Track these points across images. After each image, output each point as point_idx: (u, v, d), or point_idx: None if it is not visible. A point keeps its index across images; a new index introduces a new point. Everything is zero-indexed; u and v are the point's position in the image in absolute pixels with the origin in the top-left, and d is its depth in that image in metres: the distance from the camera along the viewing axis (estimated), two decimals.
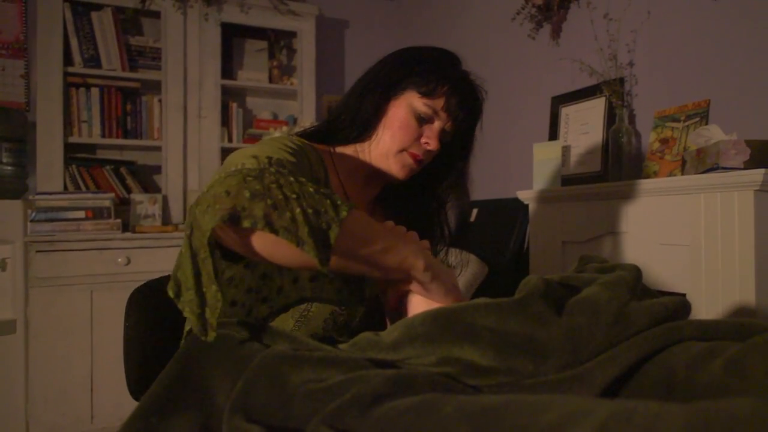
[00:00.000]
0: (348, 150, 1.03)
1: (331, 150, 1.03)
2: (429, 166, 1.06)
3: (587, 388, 0.55)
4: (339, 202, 0.66)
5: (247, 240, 0.65)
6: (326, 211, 0.64)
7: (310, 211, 0.63)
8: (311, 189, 0.65)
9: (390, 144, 0.98)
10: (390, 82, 0.99)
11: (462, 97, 0.99)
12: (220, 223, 0.61)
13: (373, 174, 1.03)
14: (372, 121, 1.00)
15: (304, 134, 1.04)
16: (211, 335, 0.62)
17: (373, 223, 0.73)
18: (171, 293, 0.63)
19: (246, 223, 0.61)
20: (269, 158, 0.74)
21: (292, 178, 0.66)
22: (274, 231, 0.61)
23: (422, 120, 0.98)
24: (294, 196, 0.63)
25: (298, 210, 0.62)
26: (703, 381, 0.53)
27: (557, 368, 0.58)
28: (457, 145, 1.06)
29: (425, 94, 0.97)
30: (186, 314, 0.63)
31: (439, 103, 0.98)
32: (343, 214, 0.65)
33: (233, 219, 0.61)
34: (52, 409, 2.26)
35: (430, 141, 0.99)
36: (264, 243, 0.65)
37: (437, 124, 0.99)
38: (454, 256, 1.15)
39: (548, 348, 0.58)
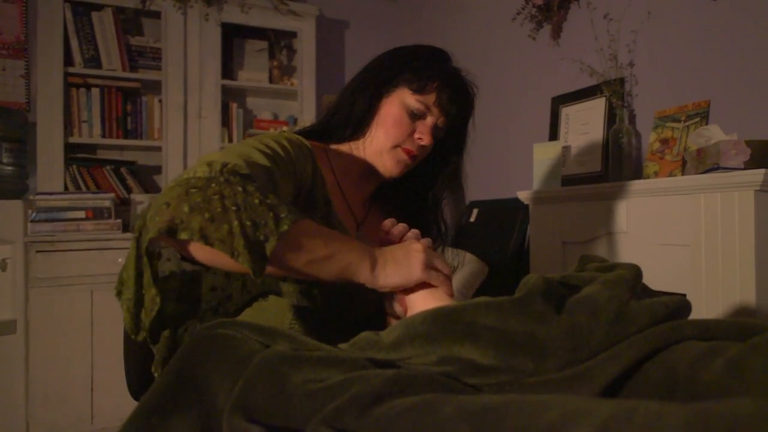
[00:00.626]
0: (343, 148, 1.05)
1: (327, 148, 1.04)
2: (424, 164, 1.07)
3: (588, 387, 0.55)
4: (283, 215, 0.67)
5: (187, 249, 0.68)
6: (266, 224, 0.66)
7: (248, 223, 0.65)
8: (256, 201, 0.67)
9: (384, 140, 1.00)
10: (381, 81, 1.01)
11: (453, 93, 1.01)
12: (158, 234, 0.64)
13: (368, 171, 1.04)
14: (365, 119, 1.02)
15: (302, 132, 1.05)
16: (142, 335, 0.67)
17: (318, 233, 0.74)
18: (114, 291, 0.68)
19: (183, 236, 0.64)
20: (224, 165, 0.72)
21: (239, 188, 0.67)
22: (209, 243, 0.64)
23: (415, 116, 1.00)
24: (234, 208, 0.65)
25: (236, 222, 0.64)
26: (704, 381, 0.53)
27: (558, 367, 0.57)
28: (451, 141, 1.07)
29: (416, 91, 0.99)
30: (123, 312, 0.67)
31: (431, 98, 0.99)
32: (284, 227, 0.66)
33: (171, 231, 0.64)
34: (52, 410, 2.26)
35: (423, 136, 1.00)
36: (203, 252, 0.67)
37: (429, 120, 1.01)
38: (451, 255, 1.15)
39: (548, 346, 0.58)
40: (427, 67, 1.00)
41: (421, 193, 1.12)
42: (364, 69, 1.05)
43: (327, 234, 0.75)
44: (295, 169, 0.89)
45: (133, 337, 0.67)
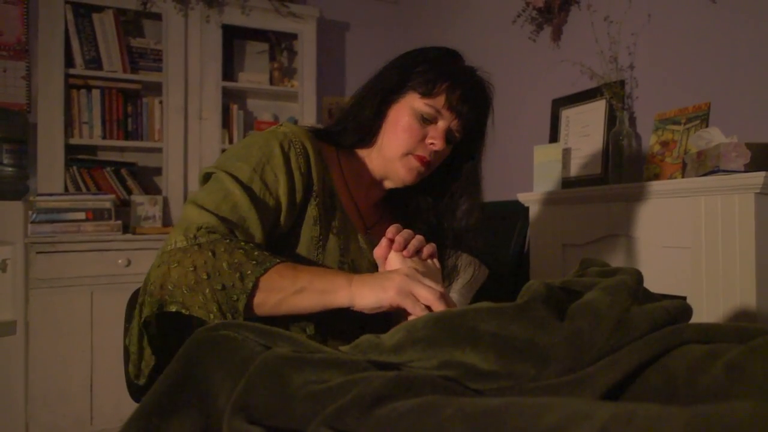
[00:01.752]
0: (354, 154, 1.04)
1: (338, 151, 1.03)
2: (440, 168, 1.04)
3: (589, 392, 0.55)
4: (249, 272, 0.76)
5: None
6: (233, 285, 0.76)
7: (218, 287, 0.76)
8: (224, 264, 0.76)
9: (395, 148, 0.97)
10: (389, 87, 0.98)
11: (464, 91, 0.97)
12: (151, 312, 0.79)
13: (379, 178, 1.03)
14: (373, 126, 0.99)
15: (313, 131, 1.03)
16: (142, 380, 0.83)
17: (286, 274, 0.79)
18: (126, 342, 0.86)
19: (172, 308, 0.78)
20: (198, 228, 0.81)
21: (209, 253, 0.77)
22: (191, 311, 0.77)
23: (426, 121, 0.96)
24: (205, 276, 0.76)
25: (207, 290, 0.76)
26: (703, 384, 0.53)
27: (559, 373, 0.57)
28: (468, 144, 1.04)
29: (425, 94, 0.95)
30: (130, 361, 0.84)
31: (440, 101, 0.96)
32: (249, 285, 0.76)
33: (162, 306, 0.78)
34: (51, 411, 2.26)
35: (435, 141, 0.96)
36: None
37: (442, 124, 0.97)
38: (465, 261, 1.14)
39: (550, 352, 0.58)
40: (435, 69, 0.96)
41: (437, 198, 1.08)
42: (373, 76, 1.02)
43: (297, 270, 0.80)
44: (291, 174, 0.90)
45: (135, 381, 0.83)
